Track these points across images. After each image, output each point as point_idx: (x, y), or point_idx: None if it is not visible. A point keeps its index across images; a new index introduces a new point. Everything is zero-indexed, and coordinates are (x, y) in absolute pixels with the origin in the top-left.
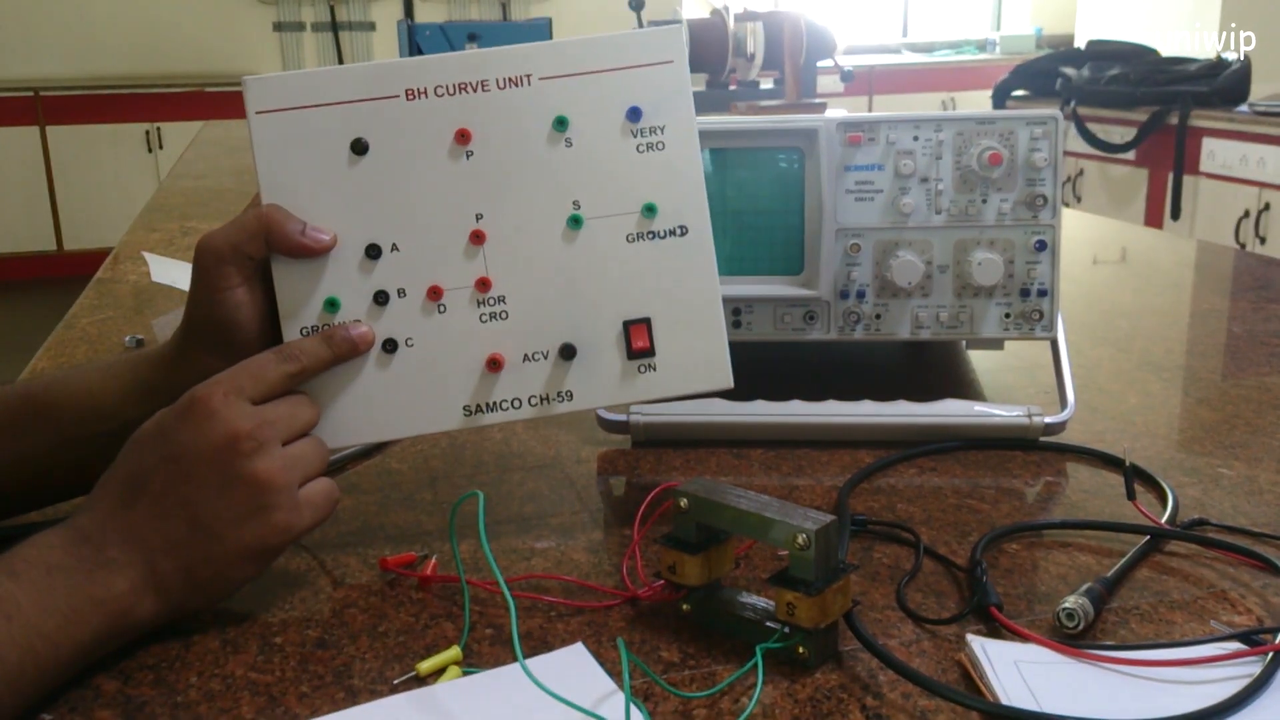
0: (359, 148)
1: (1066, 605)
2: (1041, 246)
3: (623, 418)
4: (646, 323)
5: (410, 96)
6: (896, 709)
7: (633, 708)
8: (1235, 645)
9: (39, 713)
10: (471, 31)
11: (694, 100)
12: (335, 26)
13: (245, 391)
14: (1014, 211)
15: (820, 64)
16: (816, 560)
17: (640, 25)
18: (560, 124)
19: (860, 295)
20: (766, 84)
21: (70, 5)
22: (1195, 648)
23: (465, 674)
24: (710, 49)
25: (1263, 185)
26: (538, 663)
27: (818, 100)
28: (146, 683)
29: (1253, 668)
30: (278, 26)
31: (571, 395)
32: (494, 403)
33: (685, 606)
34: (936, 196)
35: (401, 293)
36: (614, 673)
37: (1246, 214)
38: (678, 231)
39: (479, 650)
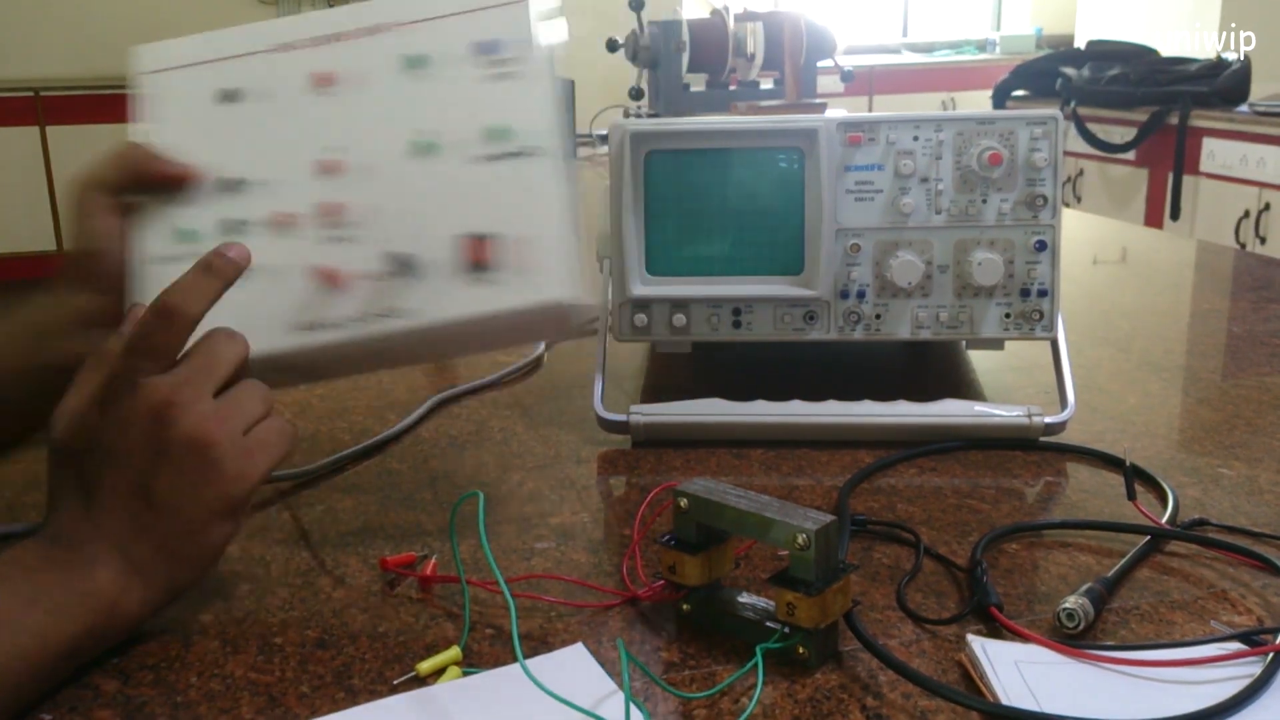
0: (227, 96)
1: (1067, 605)
2: (1041, 246)
3: (623, 418)
4: (488, 239)
5: (279, 50)
6: (896, 709)
7: (633, 708)
8: (1235, 645)
9: (39, 713)
10: None
11: (693, 97)
12: None
13: (148, 362)
14: (1014, 211)
15: (820, 64)
16: (816, 560)
17: (640, 25)
18: (414, 62)
19: (860, 295)
20: (766, 84)
21: (71, 5)
22: (1195, 648)
23: (465, 674)
24: (710, 49)
25: (1263, 185)
26: (538, 663)
27: (818, 100)
28: (146, 683)
29: (1253, 668)
30: None
31: (408, 311)
32: (330, 321)
33: (685, 606)
34: (936, 196)
35: (248, 223)
36: (614, 673)
37: (1246, 214)
38: (527, 152)
39: (479, 650)
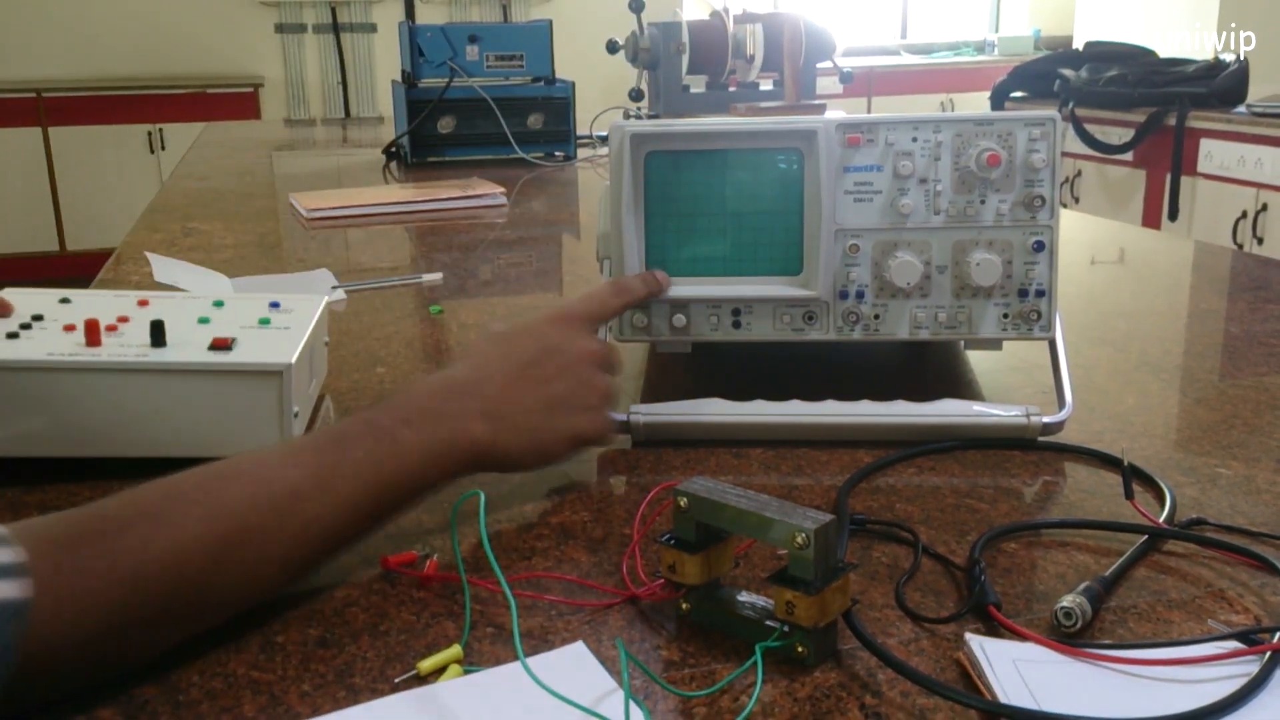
0: None
1: (1064, 604)
2: (1040, 247)
3: (623, 418)
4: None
5: None
6: (895, 707)
7: (633, 706)
8: (1233, 644)
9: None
10: (472, 33)
11: (692, 98)
12: (337, 28)
13: (595, 317)
14: (1012, 212)
15: (819, 65)
16: (816, 559)
17: (640, 27)
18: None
19: (859, 296)
20: (766, 85)
21: (72, 7)
22: (1193, 647)
23: (466, 673)
24: (710, 50)
25: (1260, 186)
26: (538, 661)
27: (817, 101)
28: (148, 681)
29: (1250, 667)
30: (279, 28)
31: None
32: None
33: (685, 606)
34: (935, 197)
35: None
36: (614, 671)
37: (1244, 215)
38: None
39: (480, 649)
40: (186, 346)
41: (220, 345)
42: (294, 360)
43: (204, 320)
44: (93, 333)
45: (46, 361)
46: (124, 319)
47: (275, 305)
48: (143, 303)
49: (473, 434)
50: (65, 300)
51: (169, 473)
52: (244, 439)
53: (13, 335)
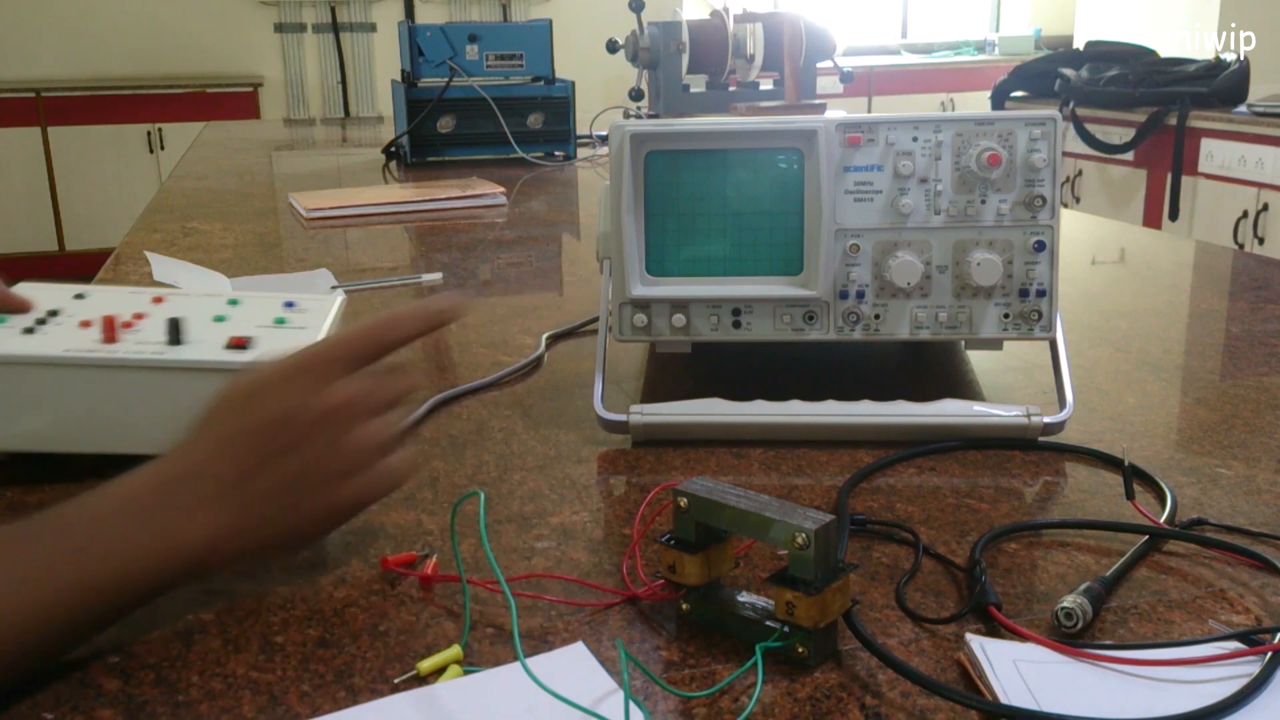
0: None
1: (1065, 605)
2: (1040, 247)
3: (623, 418)
4: None
5: None
6: (896, 708)
7: (633, 706)
8: (1234, 645)
9: (40, 711)
10: (472, 33)
11: (692, 98)
12: (336, 28)
13: (349, 358)
14: (1013, 212)
15: (820, 65)
16: (816, 560)
17: (640, 27)
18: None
19: (859, 295)
20: (766, 85)
21: (72, 6)
22: (1194, 647)
23: (466, 673)
24: (710, 50)
25: (1261, 186)
26: (538, 662)
27: (817, 101)
28: (148, 682)
29: (1251, 667)
30: (279, 28)
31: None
32: None
33: (685, 606)
34: (935, 197)
35: None
36: (614, 672)
37: (1245, 214)
38: None
39: (479, 649)
40: (203, 345)
41: (237, 344)
42: None
43: (220, 319)
44: (109, 329)
45: (63, 357)
46: (140, 315)
47: (290, 305)
48: (158, 300)
49: (198, 532)
50: (80, 296)
51: None
52: None
53: (29, 330)
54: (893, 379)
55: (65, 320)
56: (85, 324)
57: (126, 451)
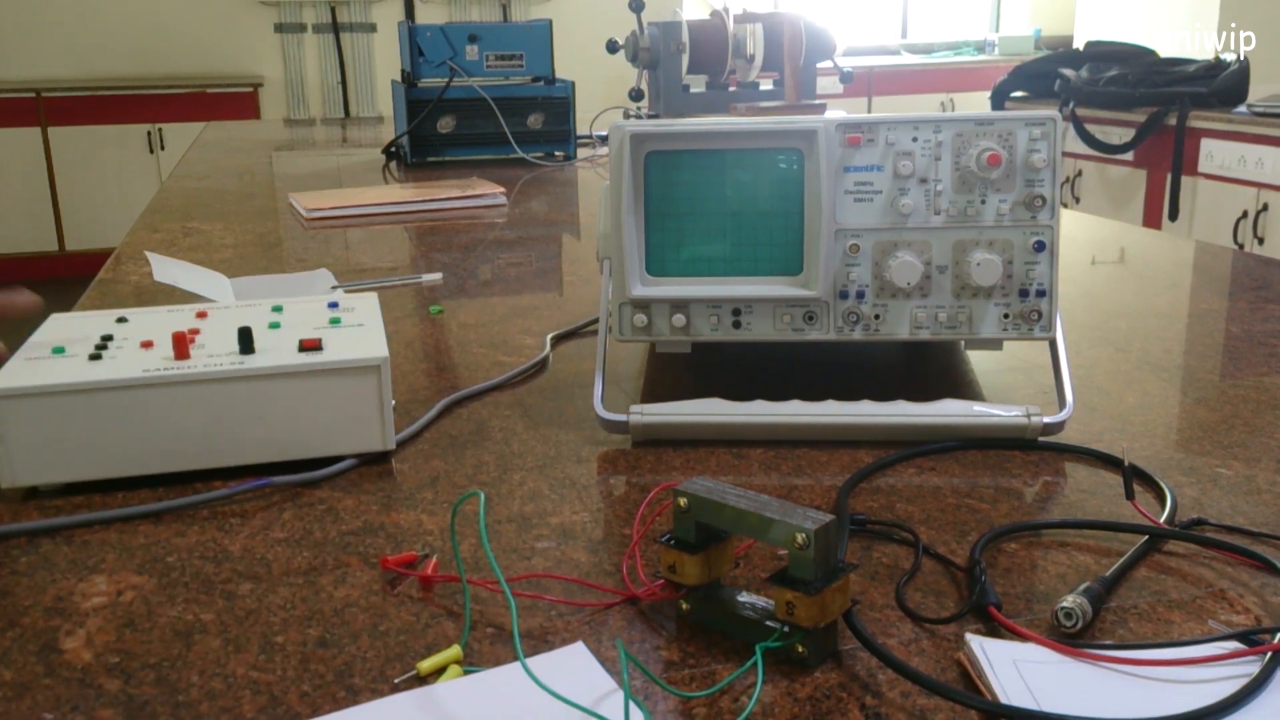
0: None
1: (1065, 604)
2: (1040, 247)
3: (623, 418)
4: None
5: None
6: (895, 708)
7: (633, 706)
8: (1233, 645)
9: (40, 712)
10: (472, 33)
11: (692, 98)
12: (336, 28)
13: None
14: (1013, 212)
15: (819, 65)
16: (816, 560)
17: (640, 27)
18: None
19: (859, 296)
20: (766, 85)
21: (72, 6)
22: (1194, 647)
23: (466, 673)
24: (710, 50)
25: (1261, 186)
26: (538, 662)
27: (817, 101)
28: (148, 682)
29: (1251, 667)
30: (279, 28)
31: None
32: None
33: (685, 606)
34: (935, 197)
35: None
36: (614, 672)
37: (1245, 214)
38: None
39: (479, 649)
40: (277, 350)
41: (310, 346)
42: (387, 353)
43: (274, 325)
44: (180, 345)
45: (142, 379)
46: (195, 332)
47: (334, 305)
48: (202, 315)
49: None
50: (123, 320)
51: (247, 479)
52: (344, 436)
53: (94, 357)
54: (893, 379)
55: (124, 344)
56: (147, 344)
57: (210, 466)
